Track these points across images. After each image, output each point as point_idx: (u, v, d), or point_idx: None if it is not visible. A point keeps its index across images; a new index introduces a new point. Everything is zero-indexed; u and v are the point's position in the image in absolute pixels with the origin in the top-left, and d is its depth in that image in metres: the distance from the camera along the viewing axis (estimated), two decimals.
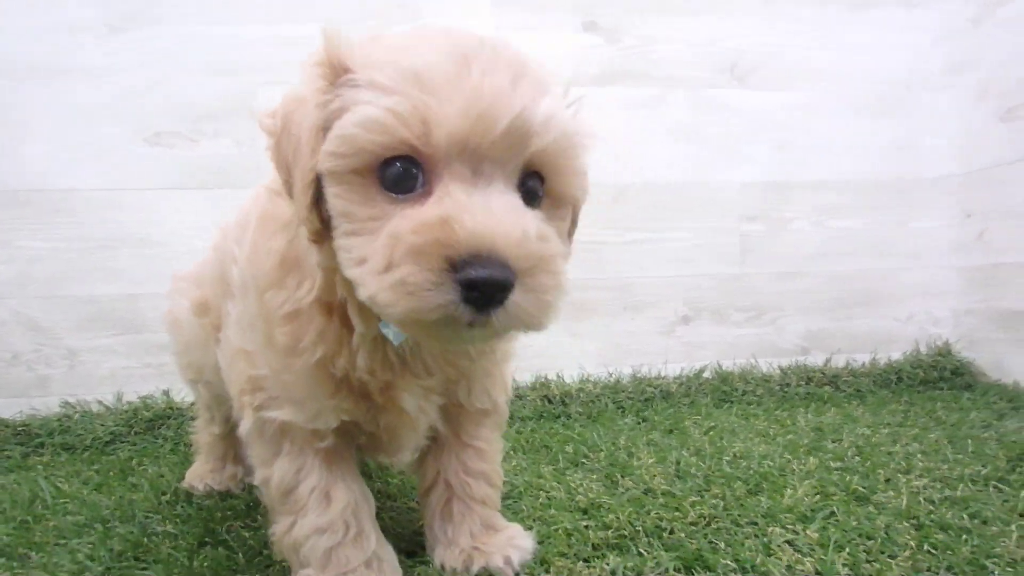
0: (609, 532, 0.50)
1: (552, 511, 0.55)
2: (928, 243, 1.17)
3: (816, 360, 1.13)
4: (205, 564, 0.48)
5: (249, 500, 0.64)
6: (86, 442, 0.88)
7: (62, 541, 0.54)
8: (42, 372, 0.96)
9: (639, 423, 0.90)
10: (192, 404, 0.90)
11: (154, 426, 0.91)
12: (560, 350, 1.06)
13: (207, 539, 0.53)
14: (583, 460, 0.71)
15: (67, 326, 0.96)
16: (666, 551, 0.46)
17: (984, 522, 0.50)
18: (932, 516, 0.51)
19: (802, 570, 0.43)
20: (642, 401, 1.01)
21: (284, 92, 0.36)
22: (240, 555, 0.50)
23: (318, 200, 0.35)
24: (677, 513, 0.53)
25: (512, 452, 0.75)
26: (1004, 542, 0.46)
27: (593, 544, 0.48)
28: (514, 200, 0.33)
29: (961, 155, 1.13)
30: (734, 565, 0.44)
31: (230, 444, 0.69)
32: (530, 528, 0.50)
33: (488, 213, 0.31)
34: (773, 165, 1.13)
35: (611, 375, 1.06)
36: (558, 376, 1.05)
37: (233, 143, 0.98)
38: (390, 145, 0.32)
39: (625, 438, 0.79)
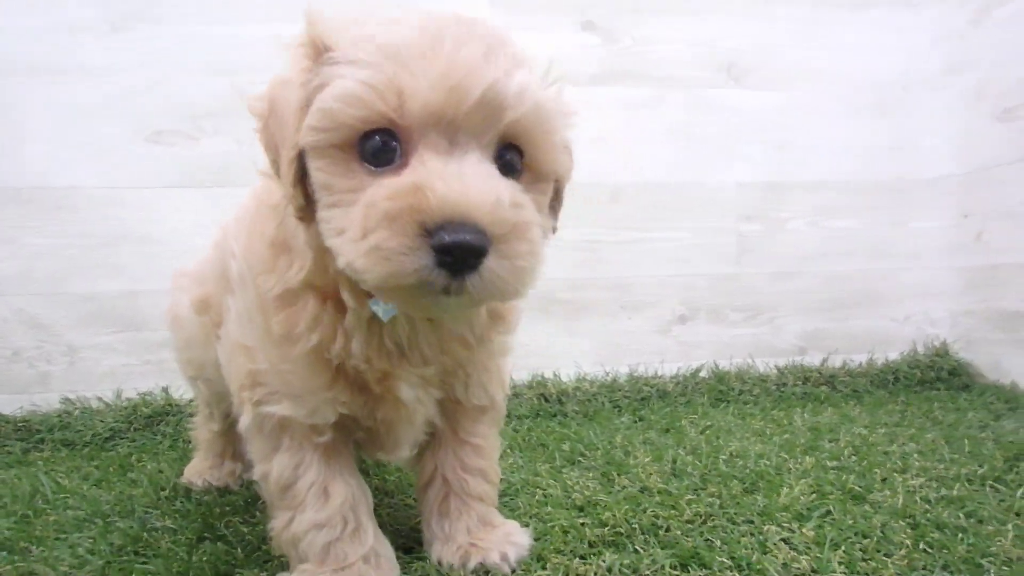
0: (605, 529, 0.50)
1: (548, 508, 0.55)
2: (926, 243, 1.17)
3: (813, 360, 1.13)
4: (204, 559, 0.48)
5: (247, 496, 0.64)
6: (86, 438, 0.88)
7: (62, 535, 0.55)
8: (43, 368, 0.97)
9: (635, 422, 0.91)
10: (191, 401, 0.90)
11: (153, 422, 0.92)
12: (557, 349, 1.07)
13: (206, 534, 0.54)
14: (579, 458, 0.71)
15: (68, 323, 0.97)
16: (662, 548, 0.47)
17: (980, 521, 0.50)
18: (928, 515, 0.51)
19: (798, 568, 0.43)
20: (638, 400, 1.01)
21: (271, 76, 0.37)
22: (239, 550, 0.50)
23: (303, 177, 0.36)
24: (673, 511, 0.53)
25: (509, 450, 0.76)
26: (1000, 541, 0.46)
27: (589, 541, 0.48)
28: (489, 169, 0.34)
29: (959, 155, 1.13)
30: (730, 563, 0.44)
31: (229, 441, 0.69)
32: (527, 525, 0.51)
33: (461, 179, 0.32)
34: (771, 165, 1.14)
35: (608, 374, 1.07)
36: (555, 375, 1.05)
37: (233, 142, 0.99)
38: (368, 118, 0.33)
39: (621, 437, 0.79)
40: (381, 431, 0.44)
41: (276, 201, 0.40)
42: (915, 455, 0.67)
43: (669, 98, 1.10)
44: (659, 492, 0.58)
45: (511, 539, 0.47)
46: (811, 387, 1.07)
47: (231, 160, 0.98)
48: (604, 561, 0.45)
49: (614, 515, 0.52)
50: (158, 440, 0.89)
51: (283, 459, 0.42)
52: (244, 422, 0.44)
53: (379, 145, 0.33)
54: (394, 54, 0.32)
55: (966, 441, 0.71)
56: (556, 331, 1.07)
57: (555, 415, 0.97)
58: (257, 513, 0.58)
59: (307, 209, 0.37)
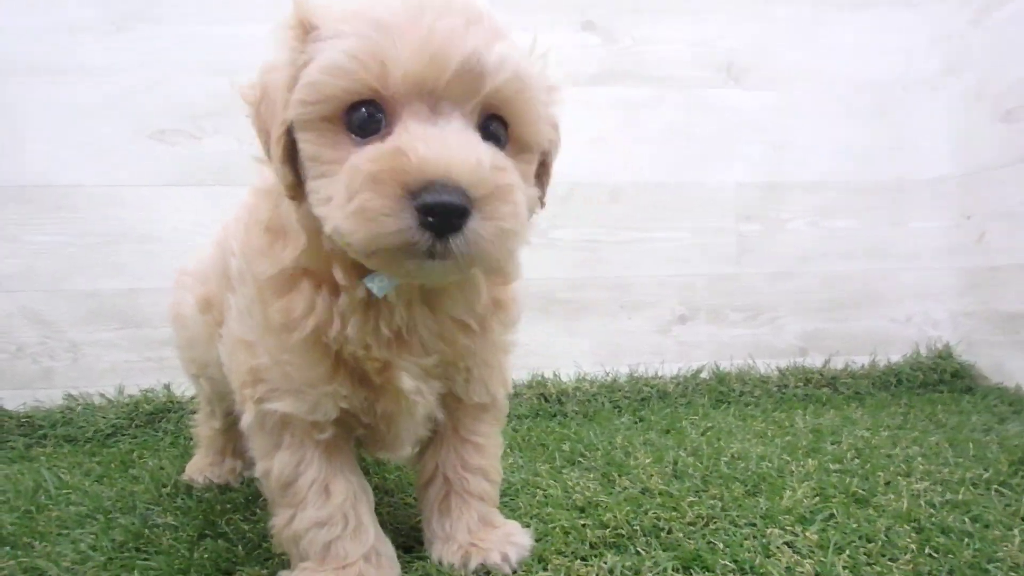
0: (606, 531, 0.50)
1: (549, 509, 0.55)
2: (925, 244, 1.17)
3: (814, 361, 1.13)
4: (205, 556, 0.48)
5: (248, 494, 0.64)
6: (88, 434, 0.88)
7: (65, 531, 0.55)
8: (46, 364, 0.97)
9: (636, 422, 0.90)
10: (192, 398, 0.91)
11: (155, 419, 0.92)
12: (557, 349, 1.07)
13: (207, 531, 0.54)
14: (580, 459, 0.71)
15: (70, 320, 0.97)
16: (664, 551, 0.46)
17: (986, 526, 0.50)
18: (933, 519, 0.51)
19: (802, 572, 0.43)
20: (638, 401, 1.01)
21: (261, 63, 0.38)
22: (240, 547, 0.50)
23: (293, 156, 0.37)
24: (675, 513, 0.53)
25: (509, 450, 0.75)
26: (1006, 546, 0.46)
27: (591, 543, 0.48)
28: (472, 135, 0.35)
29: (958, 156, 1.13)
30: (733, 566, 0.44)
31: (230, 438, 0.69)
32: (527, 525, 0.50)
33: (442, 142, 0.32)
34: (770, 165, 1.13)
35: (607, 374, 1.06)
36: (554, 374, 1.05)
37: (234, 141, 0.99)
38: (353, 89, 0.34)
39: (622, 437, 0.79)
40: (382, 427, 0.44)
41: (271, 186, 0.41)
42: (919, 458, 0.67)
43: (669, 98, 1.10)
44: (660, 493, 0.58)
45: (512, 539, 0.47)
46: (812, 389, 1.07)
47: (231, 159, 0.98)
48: (606, 563, 0.44)
49: (615, 516, 0.52)
50: (159, 437, 0.89)
51: (284, 456, 0.42)
52: (246, 419, 0.44)
53: (365, 117, 0.34)
54: (377, 26, 0.33)
55: (970, 444, 0.71)
56: (556, 331, 1.07)
57: (555, 415, 0.96)
58: (258, 511, 0.58)
59: (298, 188, 0.37)
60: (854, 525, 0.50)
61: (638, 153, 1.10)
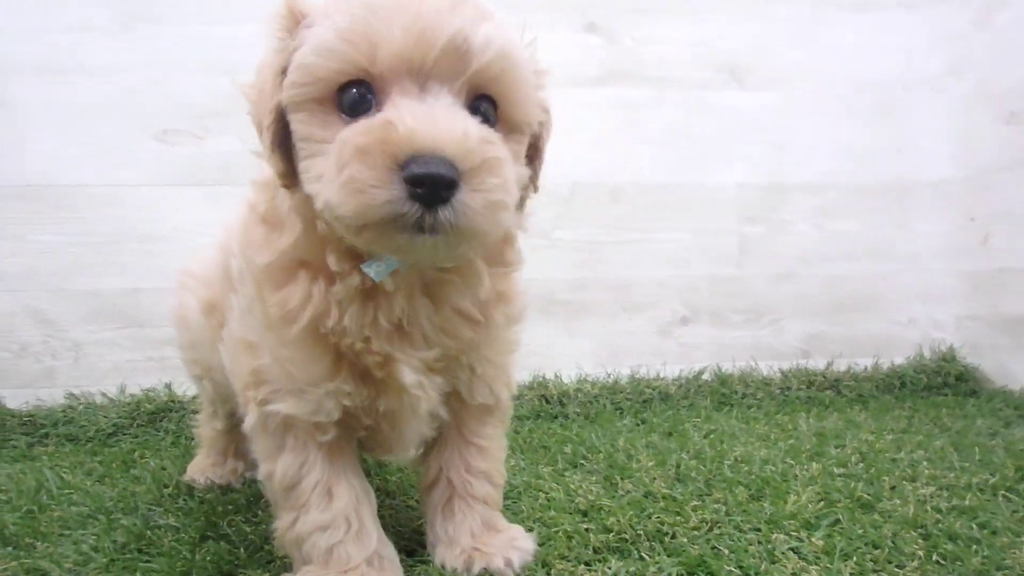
0: (610, 535, 0.50)
1: (552, 512, 0.55)
2: (927, 246, 1.16)
3: (816, 364, 1.12)
4: (207, 558, 0.48)
5: (250, 495, 0.64)
6: (89, 433, 0.88)
7: (67, 531, 0.55)
8: (48, 364, 0.97)
9: (638, 425, 0.90)
10: (194, 398, 0.90)
11: (156, 419, 0.92)
12: (557, 349, 1.06)
13: (209, 533, 0.54)
14: (582, 461, 0.71)
15: (73, 319, 0.97)
16: (668, 556, 0.46)
17: (993, 532, 0.49)
18: (940, 525, 0.50)
19: None
20: (640, 403, 1.00)
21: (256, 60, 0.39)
22: (241, 549, 0.50)
23: (286, 144, 0.37)
24: (679, 517, 0.53)
25: (510, 452, 0.75)
26: (1014, 553, 0.45)
27: (594, 547, 0.48)
28: (459, 111, 0.35)
29: (960, 158, 1.12)
30: (738, 572, 0.43)
31: (232, 439, 0.69)
32: (530, 529, 0.50)
33: (429, 115, 0.33)
34: (771, 166, 1.13)
35: (609, 376, 1.06)
36: (556, 376, 1.04)
37: (236, 140, 0.98)
38: (343, 69, 0.34)
39: (624, 440, 0.79)
40: (385, 426, 0.44)
41: (268, 179, 0.41)
42: (924, 463, 0.66)
43: (669, 99, 1.10)
44: (663, 497, 0.57)
45: (515, 544, 0.46)
46: (815, 391, 1.06)
47: (233, 159, 0.98)
48: (610, 568, 0.44)
49: (618, 520, 0.52)
50: (161, 436, 0.89)
51: (287, 458, 0.42)
52: (249, 422, 0.44)
53: (356, 97, 0.35)
54: (366, 7, 0.34)
55: (976, 449, 0.70)
56: (556, 332, 1.07)
57: (556, 416, 0.96)
58: (260, 512, 0.58)
59: (291, 176, 0.38)
60: (860, 531, 0.49)
61: (639, 154, 1.09)
